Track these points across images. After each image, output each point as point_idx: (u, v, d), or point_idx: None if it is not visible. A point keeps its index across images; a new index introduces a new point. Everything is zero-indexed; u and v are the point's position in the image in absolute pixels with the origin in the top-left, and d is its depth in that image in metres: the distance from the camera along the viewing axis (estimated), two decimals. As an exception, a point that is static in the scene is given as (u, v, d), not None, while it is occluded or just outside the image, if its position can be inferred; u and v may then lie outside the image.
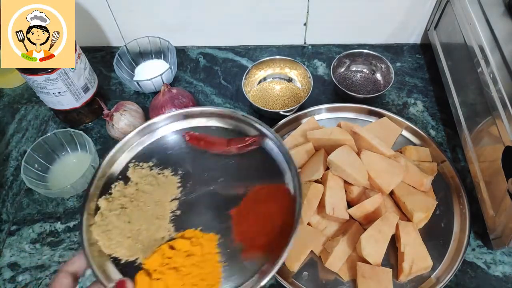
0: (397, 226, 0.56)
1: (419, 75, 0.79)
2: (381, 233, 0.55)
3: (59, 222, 0.64)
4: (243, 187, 0.51)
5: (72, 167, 0.68)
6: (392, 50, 0.83)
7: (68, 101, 0.69)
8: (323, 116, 0.71)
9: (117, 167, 0.53)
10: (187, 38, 0.84)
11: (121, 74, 0.75)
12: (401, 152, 0.65)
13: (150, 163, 0.53)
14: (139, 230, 0.48)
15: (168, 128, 0.56)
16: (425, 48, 0.83)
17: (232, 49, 0.85)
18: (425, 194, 0.60)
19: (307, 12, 0.77)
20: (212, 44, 0.85)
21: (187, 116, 0.56)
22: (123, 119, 0.67)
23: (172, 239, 0.47)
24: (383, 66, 0.75)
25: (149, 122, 0.55)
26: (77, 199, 0.66)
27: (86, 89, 0.70)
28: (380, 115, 0.69)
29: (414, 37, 0.83)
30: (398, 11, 0.77)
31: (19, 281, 0.59)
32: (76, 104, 0.70)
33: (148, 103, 0.77)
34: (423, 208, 0.57)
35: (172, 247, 0.46)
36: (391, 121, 0.68)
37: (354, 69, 0.78)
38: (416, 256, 0.54)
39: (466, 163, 0.62)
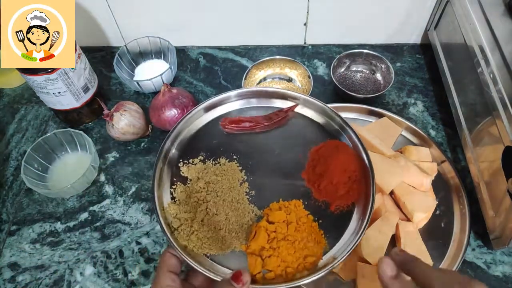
0: (397, 226, 0.56)
1: (419, 75, 0.79)
2: (381, 233, 0.55)
3: (59, 222, 0.64)
4: (300, 152, 0.53)
5: (72, 167, 0.68)
6: (392, 50, 0.83)
7: (68, 101, 0.69)
8: (323, 116, 0.71)
9: (168, 173, 0.53)
10: (187, 38, 0.84)
11: (121, 74, 0.75)
12: (401, 152, 0.65)
13: (200, 157, 0.54)
14: (227, 219, 0.48)
15: (199, 121, 0.57)
16: (425, 48, 0.83)
17: (232, 49, 0.85)
18: (425, 194, 0.60)
19: (307, 12, 0.77)
20: (212, 44, 0.85)
21: (209, 108, 0.58)
22: (123, 119, 0.67)
23: (260, 218, 0.49)
24: (383, 66, 0.75)
25: (182, 121, 0.56)
26: (77, 199, 0.66)
27: (86, 89, 0.70)
28: (380, 115, 0.69)
29: (414, 37, 0.83)
30: (398, 11, 0.77)
31: (19, 281, 0.59)
32: (76, 104, 0.70)
33: (148, 103, 0.77)
34: (423, 208, 0.57)
35: (270, 222, 0.47)
36: (391, 121, 0.68)
37: (354, 69, 0.78)
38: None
39: (466, 163, 0.62)
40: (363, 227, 0.46)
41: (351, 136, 0.54)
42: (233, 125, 0.56)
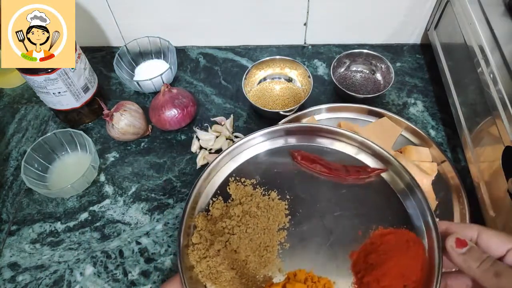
0: (397, 226, 0.56)
1: (419, 75, 0.79)
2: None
3: (59, 222, 0.64)
4: (362, 227, 0.43)
5: (72, 167, 0.68)
6: (392, 50, 0.83)
7: (68, 101, 0.69)
8: (323, 116, 0.71)
9: (215, 182, 0.47)
10: (187, 38, 0.84)
11: (121, 74, 0.75)
12: (401, 152, 0.65)
13: (253, 181, 0.47)
14: (245, 262, 0.42)
15: (270, 143, 0.50)
16: (425, 48, 0.83)
17: (232, 49, 0.85)
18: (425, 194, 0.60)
19: (307, 12, 0.77)
20: (212, 44, 0.85)
21: (291, 132, 0.50)
22: (123, 119, 0.67)
23: (280, 278, 0.41)
24: (383, 66, 0.75)
25: (250, 136, 0.48)
26: (77, 199, 0.66)
27: (86, 89, 0.70)
28: (380, 115, 0.69)
29: (414, 37, 0.83)
30: (398, 11, 0.77)
31: (19, 281, 0.59)
32: (76, 104, 0.70)
33: (148, 103, 0.77)
34: (423, 208, 0.57)
35: None
36: (391, 121, 0.68)
37: (354, 69, 0.78)
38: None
39: (466, 163, 0.62)
40: None
41: (430, 231, 0.40)
42: (304, 161, 0.48)
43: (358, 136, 0.48)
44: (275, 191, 0.46)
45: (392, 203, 0.45)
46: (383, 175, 0.48)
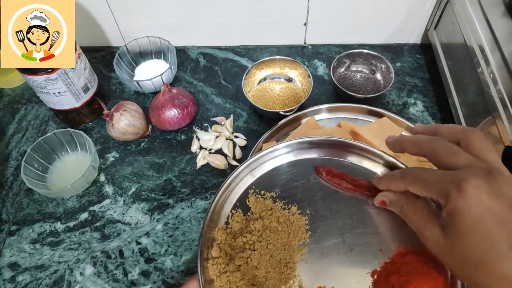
0: (397, 226, 0.56)
1: (419, 75, 0.79)
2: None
3: (59, 222, 0.64)
4: (384, 246, 0.42)
5: (72, 167, 0.68)
6: (392, 50, 0.83)
7: (68, 101, 0.69)
8: (323, 116, 0.71)
9: (235, 193, 0.46)
10: (187, 38, 0.84)
11: (121, 74, 0.75)
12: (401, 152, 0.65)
13: (273, 194, 0.46)
14: (265, 278, 0.41)
15: (291, 155, 0.48)
16: (425, 48, 0.83)
17: (232, 49, 0.85)
18: (425, 194, 0.60)
19: (307, 12, 0.77)
20: (212, 44, 0.85)
21: (316, 144, 0.48)
22: (123, 119, 0.67)
23: None
24: (383, 66, 0.75)
25: (272, 148, 0.47)
26: (77, 199, 0.66)
27: (86, 89, 0.70)
28: (380, 115, 0.69)
29: (414, 37, 0.83)
30: (398, 11, 0.77)
31: (19, 281, 0.59)
32: (76, 104, 0.70)
33: (148, 103, 0.77)
34: (423, 208, 0.57)
35: None
36: (391, 121, 0.68)
37: (354, 69, 0.78)
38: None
39: (466, 163, 0.62)
40: None
41: None
42: (329, 177, 0.46)
43: (387, 155, 0.46)
44: (295, 206, 0.45)
45: None
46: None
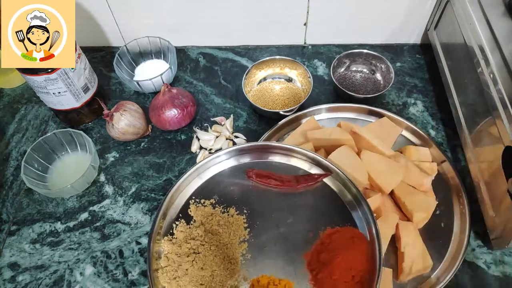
0: (397, 226, 0.56)
1: (419, 75, 0.79)
2: (381, 233, 0.54)
3: (59, 222, 0.64)
4: (313, 230, 0.49)
5: (72, 167, 0.68)
6: (392, 50, 0.83)
7: (68, 101, 0.69)
8: (323, 116, 0.71)
9: (177, 206, 0.51)
10: (187, 38, 0.84)
11: (121, 74, 0.75)
12: (401, 152, 0.65)
13: (212, 200, 0.51)
14: (212, 276, 0.45)
15: (226, 163, 0.54)
16: (425, 48, 0.83)
17: (232, 49, 0.85)
18: (425, 194, 0.60)
19: (307, 12, 0.77)
20: (212, 44, 0.85)
21: (243, 151, 0.55)
22: (123, 119, 0.67)
23: (246, 285, 0.45)
24: (383, 66, 0.75)
25: (207, 159, 0.53)
26: (77, 199, 0.66)
27: (86, 89, 0.70)
28: (380, 115, 0.69)
29: (414, 37, 0.83)
30: (398, 11, 0.77)
31: (19, 281, 0.59)
32: (76, 104, 0.70)
33: (148, 103, 0.77)
34: (423, 208, 0.57)
35: None
36: (391, 121, 0.68)
37: (354, 69, 0.78)
38: (416, 256, 0.54)
39: (466, 163, 0.62)
40: None
41: (371, 227, 0.48)
42: (258, 178, 0.53)
43: (310, 152, 0.53)
44: (233, 208, 0.50)
45: (336, 204, 0.51)
46: (330, 184, 0.52)
